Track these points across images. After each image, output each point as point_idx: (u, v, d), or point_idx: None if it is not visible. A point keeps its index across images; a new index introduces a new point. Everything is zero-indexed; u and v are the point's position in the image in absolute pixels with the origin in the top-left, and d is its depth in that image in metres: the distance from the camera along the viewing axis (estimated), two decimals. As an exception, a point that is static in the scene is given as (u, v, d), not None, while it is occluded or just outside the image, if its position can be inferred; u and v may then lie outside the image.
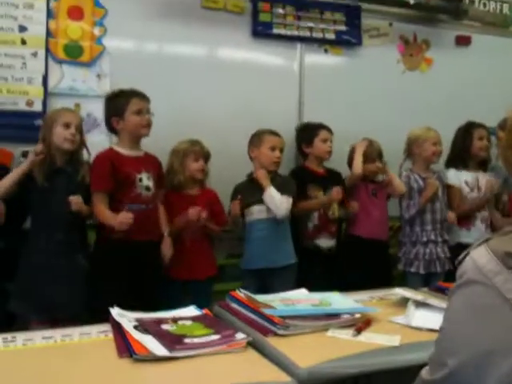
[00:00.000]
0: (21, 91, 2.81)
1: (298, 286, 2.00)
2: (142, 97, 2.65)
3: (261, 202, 2.87)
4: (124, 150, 2.63)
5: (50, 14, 2.89)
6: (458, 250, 3.10)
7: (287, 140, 3.07)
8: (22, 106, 2.80)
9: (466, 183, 3.28)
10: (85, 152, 2.63)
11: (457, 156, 3.31)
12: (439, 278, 2.97)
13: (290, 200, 2.89)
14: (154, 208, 2.67)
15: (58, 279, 2.41)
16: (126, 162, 2.60)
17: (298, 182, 3.02)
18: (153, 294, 2.56)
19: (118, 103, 2.64)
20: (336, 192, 2.94)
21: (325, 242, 3.05)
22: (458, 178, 3.28)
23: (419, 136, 3.18)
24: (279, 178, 2.95)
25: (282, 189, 2.87)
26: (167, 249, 2.66)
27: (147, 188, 2.62)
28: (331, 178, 3.16)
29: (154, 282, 2.61)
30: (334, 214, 3.02)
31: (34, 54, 2.86)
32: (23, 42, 2.84)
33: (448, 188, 3.26)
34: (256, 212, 2.88)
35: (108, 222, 2.47)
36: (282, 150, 2.95)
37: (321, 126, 3.16)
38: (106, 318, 1.59)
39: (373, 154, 3.17)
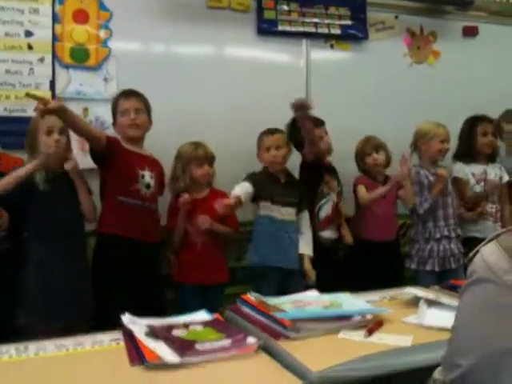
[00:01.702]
0: (29, 97, 2.82)
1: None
2: (127, 96, 2.64)
3: (284, 203, 2.83)
4: (128, 146, 2.64)
5: (55, 19, 2.89)
6: (467, 243, 3.10)
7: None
8: (30, 113, 2.78)
9: (473, 175, 3.28)
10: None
11: (463, 151, 3.30)
12: (453, 274, 2.94)
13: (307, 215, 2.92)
14: (151, 208, 2.66)
15: (64, 285, 2.39)
16: (131, 156, 2.62)
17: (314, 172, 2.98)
18: (154, 296, 2.58)
19: (113, 107, 2.69)
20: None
21: (330, 234, 3.01)
22: (464, 170, 3.27)
23: (427, 132, 3.14)
24: (291, 182, 2.91)
25: (299, 202, 2.87)
26: None
27: (147, 186, 2.62)
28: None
29: (154, 285, 2.62)
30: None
31: (41, 60, 2.86)
32: (30, 47, 2.84)
33: (455, 180, 3.24)
34: (277, 211, 2.82)
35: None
36: (280, 147, 2.86)
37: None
38: (113, 323, 1.61)
39: (367, 148, 3.14)
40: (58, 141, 2.42)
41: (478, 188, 3.25)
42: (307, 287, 2.61)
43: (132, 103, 2.62)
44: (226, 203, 2.55)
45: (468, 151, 3.29)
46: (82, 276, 2.49)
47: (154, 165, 2.72)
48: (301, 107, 2.67)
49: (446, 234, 3.07)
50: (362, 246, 3.10)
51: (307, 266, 2.83)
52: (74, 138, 2.58)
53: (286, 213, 2.83)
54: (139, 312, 1.66)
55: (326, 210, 3.00)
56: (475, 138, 3.27)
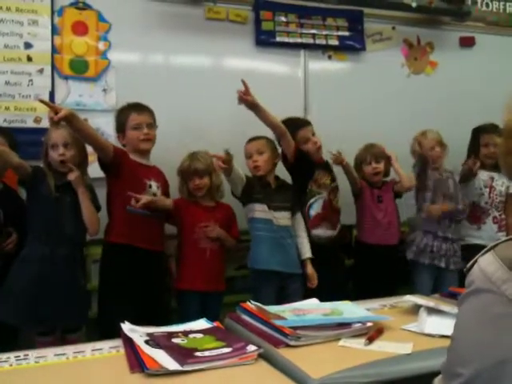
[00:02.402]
0: (28, 108, 2.84)
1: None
2: (140, 111, 2.67)
3: (277, 208, 2.81)
4: (136, 158, 2.67)
5: (54, 30, 2.92)
6: (468, 250, 3.10)
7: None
8: (29, 123, 2.82)
9: (482, 180, 3.28)
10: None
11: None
12: (448, 275, 2.99)
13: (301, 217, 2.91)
14: (159, 217, 2.68)
15: (50, 288, 2.38)
16: (138, 168, 2.65)
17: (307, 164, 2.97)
18: (160, 304, 2.60)
19: (120, 119, 2.71)
20: None
21: (325, 232, 2.97)
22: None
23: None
24: (282, 186, 2.90)
25: (292, 206, 2.86)
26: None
27: (154, 195, 2.65)
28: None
29: (160, 293, 2.64)
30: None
31: (41, 71, 2.88)
32: (29, 59, 2.86)
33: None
34: (271, 215, 2.80)
35: None
36: (262, 152, 2.84)
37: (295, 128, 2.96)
38: (115, 331, 1.60)
39: (367, 157, 3.14)
40: (62, 155, 2.46)
41: (485, 193, 3.26)
42: (307, 290, 2.62)
43: (145, 118, 2.66)
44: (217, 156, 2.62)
45: None
46: (73, 282, 2.47)
47: (159, 176, 2.75)
48: (242, 99, 2.68)
49: (440, 235, 3.07)
50: (363, 249, 3.11)
51: (309, 270, 2.81)
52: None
53: (282, 217, 2.81)
54: (144, 321, 1.67)
55: (316, 208, 2.97)
56: (478, 148, 3.29)
